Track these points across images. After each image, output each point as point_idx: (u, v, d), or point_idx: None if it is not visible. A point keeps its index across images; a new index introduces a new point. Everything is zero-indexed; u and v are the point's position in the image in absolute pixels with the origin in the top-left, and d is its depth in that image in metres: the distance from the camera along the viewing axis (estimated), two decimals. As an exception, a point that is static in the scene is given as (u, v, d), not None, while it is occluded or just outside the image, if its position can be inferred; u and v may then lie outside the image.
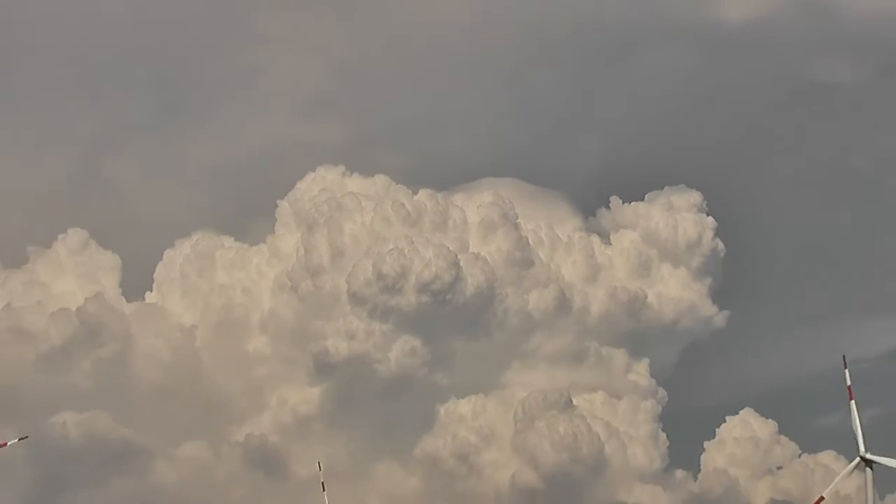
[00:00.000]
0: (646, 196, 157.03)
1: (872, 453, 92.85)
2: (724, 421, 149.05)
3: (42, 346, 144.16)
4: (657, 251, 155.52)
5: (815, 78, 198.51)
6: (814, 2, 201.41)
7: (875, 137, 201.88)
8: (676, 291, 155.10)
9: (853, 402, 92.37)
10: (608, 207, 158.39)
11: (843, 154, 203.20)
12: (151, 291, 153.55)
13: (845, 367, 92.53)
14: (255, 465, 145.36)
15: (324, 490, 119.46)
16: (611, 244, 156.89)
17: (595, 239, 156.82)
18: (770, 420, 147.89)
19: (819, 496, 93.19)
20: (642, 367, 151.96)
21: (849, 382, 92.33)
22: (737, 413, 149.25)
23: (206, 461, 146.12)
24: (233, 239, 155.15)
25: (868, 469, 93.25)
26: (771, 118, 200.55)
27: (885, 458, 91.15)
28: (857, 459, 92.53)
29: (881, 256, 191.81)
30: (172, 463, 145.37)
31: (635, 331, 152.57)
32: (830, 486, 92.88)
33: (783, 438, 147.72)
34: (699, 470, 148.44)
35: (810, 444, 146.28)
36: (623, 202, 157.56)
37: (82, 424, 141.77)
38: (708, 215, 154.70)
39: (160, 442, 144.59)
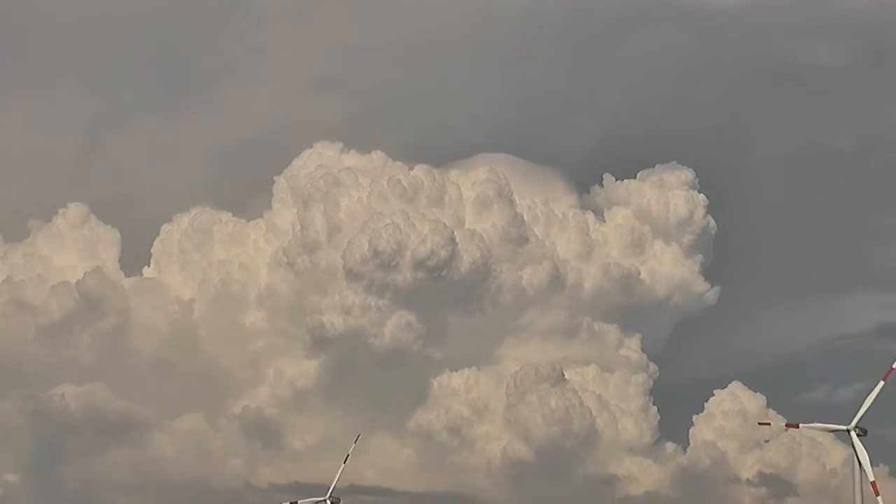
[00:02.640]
0: (638, 174, 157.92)
1: (862, 427, 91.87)
2: (713, 395, 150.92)
3: (42, 318, 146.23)
4: (650, 228, 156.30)
5: (804, 60, 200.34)
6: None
7: (861, 118, 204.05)
8: (669, 268, 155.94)
9: (802, 426, 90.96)
10: (601, 185, 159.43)
11: (831, 133, 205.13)
12: (149, 266, 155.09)
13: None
14: (252, 437, 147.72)
15: None
16: (605, 221, 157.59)
17: (590, 216, 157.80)
18: (759, 394, 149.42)
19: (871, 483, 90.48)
20: (634, 342, 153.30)
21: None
22: (726, 387, 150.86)
23: (203, 433, 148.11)
24: (230, 214, 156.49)
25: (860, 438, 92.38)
26: (761, 98, 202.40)
27: (863, 405, 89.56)
28: (853, 435, 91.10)
29: (870, 234, 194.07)
30: (170, 435, 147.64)
31: (628, 306, 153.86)
32: (871, 474, 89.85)
33: (771, 412, 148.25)
34: (688, 443, 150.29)
35: (798, 418, 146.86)
36: (616, 179, 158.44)
37: (81, 396, 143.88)
38: (700, 192, 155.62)
39: (158, 414, 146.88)
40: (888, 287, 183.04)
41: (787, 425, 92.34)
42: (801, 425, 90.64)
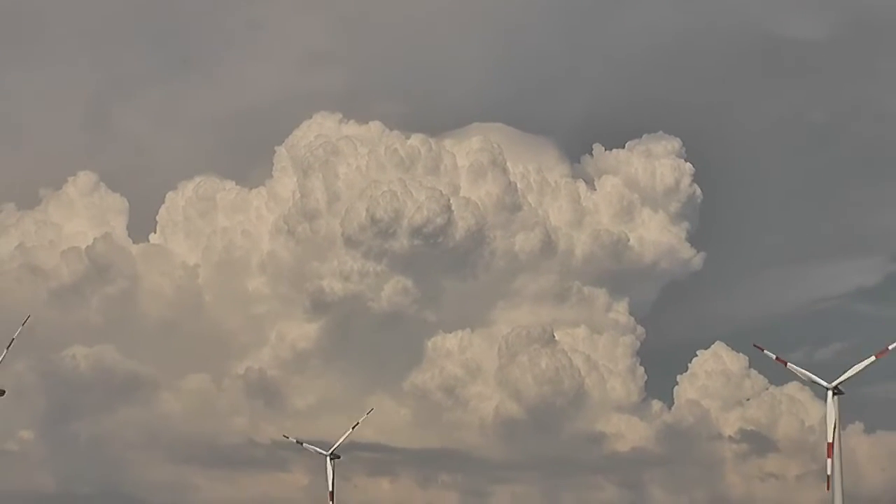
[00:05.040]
0: (626, 143, 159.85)
1: (839, 388, 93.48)
2: (697, 355, 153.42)
3: (53, 283, 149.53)
4: (638, 196, 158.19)
5: (785, 34, 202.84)
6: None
7: (839, 90, 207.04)
8: (656, 235, 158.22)
9: (789, 364, 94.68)
10: (592, 154, 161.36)
11: (811, 105, 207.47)
12: (156, 233, 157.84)
13: (762, 350, 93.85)
14: (254, 397, 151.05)
15: None
16: (595, 189, 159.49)
17: (581, 184, 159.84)
18: (741, 354, 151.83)
19: (827, 444, 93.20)
20: (622, 305, 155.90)
21: (774, 357, 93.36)
22: (709, 348, 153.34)
23: (208, 392, 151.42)
24: (233, 183, 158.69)
25: (835, 397, 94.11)
26: (744, 71, 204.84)
27: (850, 370, 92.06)
28: (830, 394, 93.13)
29: (848, 201, 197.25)
30: (177, 394, 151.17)
31: (616, 271, 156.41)
32: (830, 436, 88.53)
33: (753, 372, 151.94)
34: (673, 402, 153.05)
35: (778, 377, 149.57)
36: (605, 149, 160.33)
37: (91, 357, 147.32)
38: (686, 161, 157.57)
39: (165, 374, 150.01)
40: (865, 252, 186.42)
41: (777, 359, 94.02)
42: (788, 364, 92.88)
